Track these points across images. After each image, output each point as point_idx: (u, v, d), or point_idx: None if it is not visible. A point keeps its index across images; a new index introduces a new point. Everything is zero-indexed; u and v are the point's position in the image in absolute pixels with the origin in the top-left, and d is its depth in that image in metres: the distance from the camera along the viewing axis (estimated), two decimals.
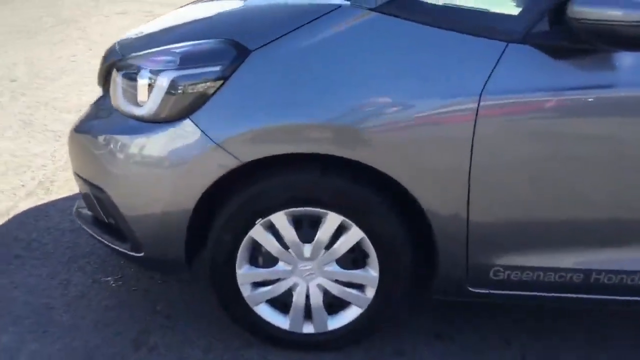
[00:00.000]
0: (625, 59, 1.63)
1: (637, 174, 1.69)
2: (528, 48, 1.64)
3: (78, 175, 2.04)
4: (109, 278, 2.30)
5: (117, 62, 1.96)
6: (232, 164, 1.73)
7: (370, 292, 1.89)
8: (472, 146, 1.67)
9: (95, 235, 2.04)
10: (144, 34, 2.10)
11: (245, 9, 1.96)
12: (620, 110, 1.65)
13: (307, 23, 1.74)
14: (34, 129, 3.63)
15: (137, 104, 1.82)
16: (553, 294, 1.87)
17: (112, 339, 1.99)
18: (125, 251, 1.94)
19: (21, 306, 2.12)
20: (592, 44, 1.57)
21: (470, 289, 1.88)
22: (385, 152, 1.69)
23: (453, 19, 1.69)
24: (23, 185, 2.98)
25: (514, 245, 1.80)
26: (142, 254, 1.92)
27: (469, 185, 1.71)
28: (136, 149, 1.80)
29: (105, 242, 2.00)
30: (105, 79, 2.11)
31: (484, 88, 1.63)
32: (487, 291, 1.89)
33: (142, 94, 1.81)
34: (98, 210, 1.99)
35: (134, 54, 1.92)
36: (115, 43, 2.17)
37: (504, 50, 1.65)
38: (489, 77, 1.64)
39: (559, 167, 1.69)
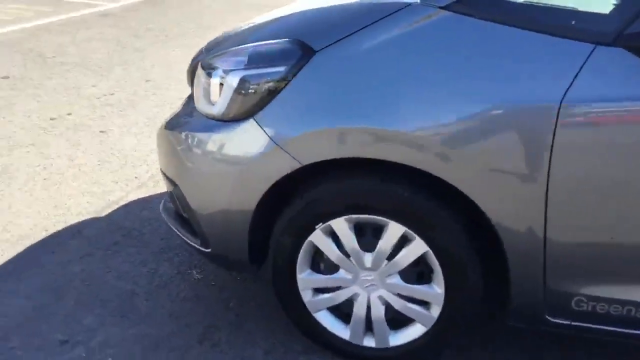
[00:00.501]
0: None
1: None
2: (620, 51, 1.44)
3: (162, 171, 2.13)
4: (192, 271, 2.37)
5: (201, 61, 2.01)
6: (292, 166, 1.70)
7: (435, 311, 1.77)
8: (550, 158, 1.50)
9: (174, 229, 2.11)
10: (229, 33, 2.14)
11: (316, 8, 1.92)
12: None
13: (374, 22, 1.66)
14: (156, 127, 3.87)
15: (211, 103, 1.86)
16: None
17: (181, 330, 2.05)
18: (196, 246, 1.99)
19: (109, 290, 2.26)
20: None
21: (549, 318, 1.69)
22: (452, 162, 1.57)
23: (533, 18, 1.53)
24: (136, 177, 3.19)
25: (600, 272, 1.60)
26: (209, 250, 1.95)
27: (546, 201, 1.53)
28: (205, 146, 1.84)
29: (182, 235, 2.06)
30: (192, 78, 2.18)
31: (565, 95, 1.46)
32: (568, 322, 1.68)
33: (214, 93, 1.84)
34: (177, 204, 2.06)
35: (214, 54, 1.96)
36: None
37: (591, 53, 1.46)
38: (572, 83, 1.46)
39: None
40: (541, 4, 1.60)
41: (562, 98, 1.46)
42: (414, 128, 1.56)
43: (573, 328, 1.69)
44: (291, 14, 1.95)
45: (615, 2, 1.49)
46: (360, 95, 1.63)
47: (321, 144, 1.67)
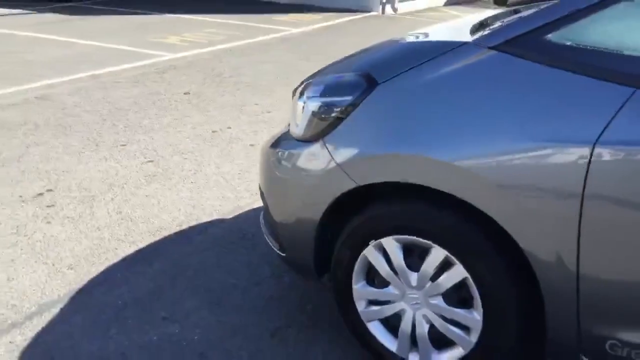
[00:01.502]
0: None
1: None
2: None
3: (258, 184, 2.44)
4: (284, 275, 2.65)
5: (296, 88, 2.29)
6: (350, 185, 1.89)
7: (474, 337, 1.83)
8: (582, 198, 1.52)
9: (265, 234, 2.40)
10: (333, 63, 2.38)
11: (388, 44, 2.09)
12: None
13: (432, 58, 1.80)
14: None
15: (296, 125, 2.12)
16: None
17: (261, 324, 2.33)
18: (276, 250, 2.26)
19: (215, 282, 2.61)
20: None
21: (584, 358, 1.68)
22: (495, 197, 1.65)
23: (574, 60, 1.58)
24: None
25: (633, 318, 1.56)
26: (284, 254, 2.21)
27: (579, 241, 1.56)
28: (285, 162, 2.11)
29: (269, 240, 2.35)
30: None
31: (600, 136, 1.49)
32: None
33: (298, 116, 2.10)
34: (266, 213, 2.35)
35: (307, 80, 2.22)
36: None
37: (630, 96, 1.47)
38: (608, 124, 1.49)
39: None
40: (584, 46, 1.62)
41: (597, 139, 1.49)
42: (460, 161, 1.67)
43: None
44: (369, 49, 2.15)
45: None
46: (413, 125, 1.78)
47: (374, 168, 1.85)
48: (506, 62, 1.66)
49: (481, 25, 2.00)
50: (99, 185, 3.51)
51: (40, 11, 10.42)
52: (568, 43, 1.63)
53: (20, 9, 10.56)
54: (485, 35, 1.76)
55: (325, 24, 9.81)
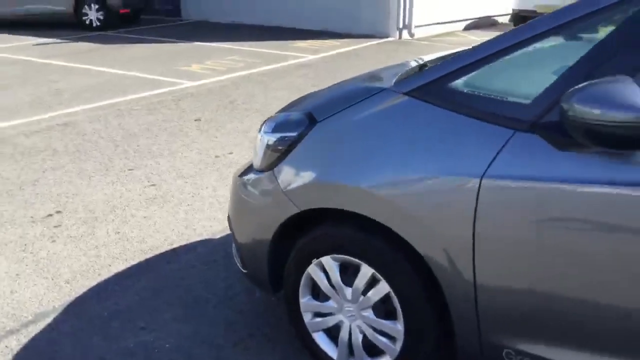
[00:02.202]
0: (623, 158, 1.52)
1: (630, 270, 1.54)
2: (534, 137, 1.66)
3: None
4: (256, 291, 2.90)
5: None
6: (293, 210, 2.15)
7: (398, 345, 2.06)
8: (474, 221, 1.75)
9: (233, 254, 2.67)
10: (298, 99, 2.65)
11: (331, 88, 2.35)
12: (618, 209, 1.53)
13: (359, 102, 2.06)
14: None
15: (256, 156, 2.40)
16: None
17: (227, 334, 2.58)
18: (240, 267, 2.53)
19: (193, 296, 2.88)
20: (584, 141, 1.53)
21: None
22: (404, 219, 1.89)
23: (468, 105, 1.81)
24: None
25: (524, 329, 1.77)
26: (246, 271, 2.47)
27: (474, 258, 1.78)
28: (246, 189, 2.37)
29: (235, 259, 2.61)
30: None
31: (486, 171, 1.72)
32: None
33: (257, 149, 2.37)
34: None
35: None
36: None
37: (511, 137, 1.70)
38: (492, 161, 1.72)
39: (555, 254, 1.64)
40: (476, 93, 1.85)
41: (484, 173, 1.72)
42: (378, 189, 1.92)
43: None
44: (319, 91, 2.42)
45: (536, 94, 1.70)
46: (341, 158, 2.04)
47: (312, 195, 2.11)
48: (415, 107, 1.91)
49: (409, 70, 2.26)
50: (102, 207, 3.85)
51: (73, 40, 11.05)
52: (465, 90, 1.86)
53: (55, 37, 11.20)
54: (402, 81, 2.01)
55: (342, 49, 10.13)
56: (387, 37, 11.25)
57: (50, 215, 3.74)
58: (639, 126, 1.42)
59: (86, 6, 12.46)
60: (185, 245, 3.39)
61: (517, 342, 1.80)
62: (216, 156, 4.85)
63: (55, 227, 3.58)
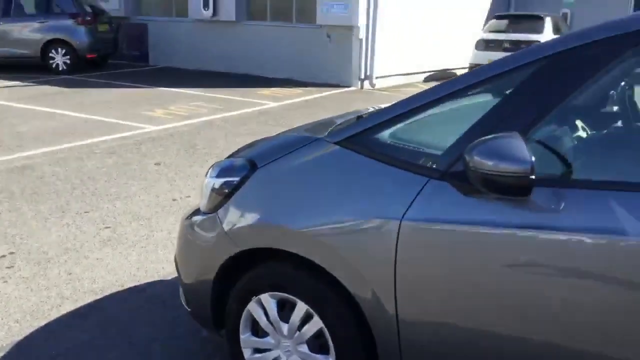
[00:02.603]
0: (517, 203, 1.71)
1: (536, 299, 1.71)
2: (445, 185, 1.85)
3: None
4: (203, 330, 2.98)
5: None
6: (235, 250, 2.28)
7: None
8: (395, 260, 1.91)
9: (180, 294, 2.76)
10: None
11: (274, 136, 2.53)
12: (513, 248, 1.72)
13: (295, 150, 2.23)
14: None
15: (202, 199, 2.53)
16: None
17: None
18: (185, 305, 2.63)
19: (140, 336, 2.95)
20: (483, 189, 1.72)
21: None
22: (334, 258, 2.04)
23: (391, 155, 1.99)
24: None
25: (443, 356, 1.92)
26: (190, 309, 2.58)
27: (395, 295, 1.93)
28: (191, 230, 2.50)
29: (181, 298, 2.71)
30: None
31: (404, 214, 1.89)
32: None
33: (204, 192, 2.51)
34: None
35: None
36: None
37: (425, 184, 1.88)
38: (410, 205, 1.89)
39: (466, 291, 1.80)
40: (397, 144, 2.03)
41: (403, 216, 1.89)
42: (309, 230, 2.07)
43: None
44: (263, 139, 2.59)
45: (447, 146, 1.90)
46: (278, 201, 2.19)
47: (252, 235, 2.24)
48: (344, 155, 2.08)
49: (344, 121, 2.45)
50: (56, 248, 3.90)
51: (39, 83, 11.12)
52: (387, 141, 2.05)
53: (19, 81, 11.26)
54: (334, 132, 2.20)
55: (304, 98, 10.42)
56: (349, 86, 11.61)
57: (4, 256, 3.77)
58: (523, 176, 1.62)
59: (53, 50, 12.58)
60: (135, 287, 3.46)
61: None
62: (173, 199, 4.96)
63: (7, 267, 3.62)
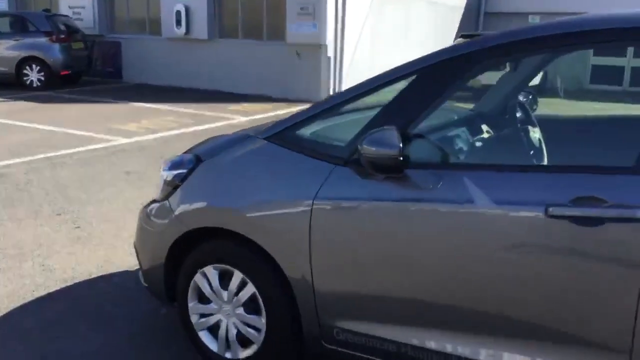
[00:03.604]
0: (403, 181, 2.18)
1: (423, 264, 2.17)
2: (347, 169, 2.31)
3: None
4: (162, 307, 3.39)
5: None
6: (183, 230, 2.72)
7: (262, 335, 2.61)
8: (309, 230, 2.36)
9: (139, 272, 3.18)
10: None
11: (217, 136, 2.98)
12: (393, 217, 2.19)
13: (231, 146, 2.69)
14: None
15: (158, 190, 2.96)
16: None
17: (130, 339, 3.06)
18: (143, 282, 3.04)
19: (105, 314, 3.34)
20: (371, 170, 2.19)
21: (324, 344, 2.47)
22: (262, 232, 2.48)
23: (307, 147, 2.45)
24: None
25: (346, 313, 2.36)
26: (146, 285, 3.00)
27: (310, 259, 2.38)
28: (147, 217, 2.92)
29: (140, 276, 3.12)
30: None
31: (316, 194, 2.34)
32: (335, 348, 2.44)
33: (159, 184, 2.94)
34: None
35: None
36: None
37: (333, 169, 2.34)
38: (320, 187, 2.34)
39: (363, 254, 2.26)
40: (313, 138, 2.50)
41: (315, 195, 2.34)
42: (242, 210, 2.52)
43: (341, 353, 2.43)
44: (209, 139, 3.03)
45: (348, 139, 2.36)
46: (217, 188, 2.63)
47: (196, 217, 2.68)
48: (270, 148, 2.54)
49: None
50: (30, 245, 4.28)
51: (13, 99, 11.44)
52: (305, 135, 2.51)
53: None
54: (264, 130, 2.65)
55: (273, 112, 10.88)
56: None
57: None
58: (394, 157, 2.08)
59: (27, 67, 12.91)
60: (102, 276, 3.86)
61: (342, 323, 2.38)
62: (141, 204, 5.34)
63: None
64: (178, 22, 13.44)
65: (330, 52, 11.94)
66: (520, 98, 3.38)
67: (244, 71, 12.99)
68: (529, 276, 2.00)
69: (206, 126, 9.33)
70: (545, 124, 3.15)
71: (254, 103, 11.86)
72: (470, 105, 3.31)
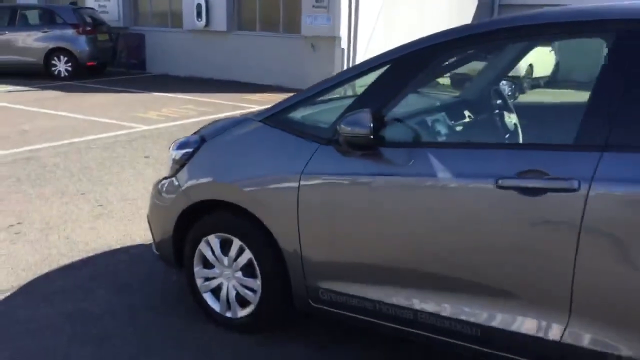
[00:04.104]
0: (377, 158, 2.49)
1: (396, 229, 2.47)
2: (330, 148, 2.62)
3: None
4: (174, 274, 3.75)
5: None
6: (188, 202, 3.06)
7: (258, 295, 2.94)
8: (297, 203, 2.68)
9: (152, 243, 3.53)
10: None
11: (220, 119, 3.30)
12: (370, 189, 2.50)
13: (231, 127, 3.02)
14: None
15: (168, 167, 3.31)
16: (368, 319, 2.65)
17: (143, 302, 3.42)
18: (155, 251, 3.40)
19: (123, 280, 3.71)
20: (348, 149, 2.50)
21: (311, 303, 2.79)
22: (257, 204, 2.81)
23: (297, 128, 2.76)
24: None
25: (330, 275, 2.68)
26: (158, 253, 3.35)
27: (298, 227, 2.70)
28: (158, 191, 3.27)
29: (152, 246, 3.48)
30: None
31: (303, 169, 2.66)
32: (321, 307, 2.76)
33: (168, 162, 3.29)
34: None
35: None
36: None
37: (318, 147, 2.66)
38: (307, 163, 2.66)
39: (345, 221, 2.57)
40: (302, 120, 2.81)
41: (303, 170, 2.66)
42: (241, 185, 2.84)
43: (326, 312, 2.75)
44: (215, 121, 3.37)
45: (331, 121, 2.67)
46: (220, 164, 2.97)
47: (199, 190, 3.02)
48: (265, 129, 2.86)
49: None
50: (56, 220, 4.68)
51: (42, 89, 11.93)
52: (295, 117, 2.83)
53: (24, 86, 12.08)
54: (260, 113, 2.97)
55: None
56: None
57: (12, 225, 4.55)
58: (366, 136, 2.38)
59: (55, 58, 13.41)
60: (121, 248, 4.23)
61: (326, 284, 2.70)
62: None
63: (15, 233, 4.39)
64: (199, 15, 13.82)
65: (344, 44, 12.20)
66: (505, 87, 3.66)
67: (260, 62, 13.33)
68: (482, 239, 2.29)
69: (224, 114, 9.68)
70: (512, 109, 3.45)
71: (269, 93, 12.20)
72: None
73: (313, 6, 12.17)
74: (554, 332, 2.21)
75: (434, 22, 14.05)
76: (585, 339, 2.17)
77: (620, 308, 2.09)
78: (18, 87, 11.90)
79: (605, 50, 2.18)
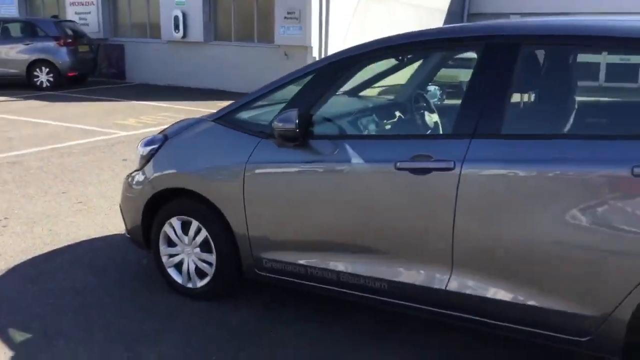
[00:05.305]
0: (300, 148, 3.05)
1: (322, 208, 3.03)
2: (269, 142, 3.17)
3: None
4: (144, 258, 4.27)
5: None
6: (154, 191, 3.59)
7: (213, 268, 3.48)
8: (243, 190, 3.23)
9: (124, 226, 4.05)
10: None
11: (182, 120, 3.86)
12: (297, 176, 3.06)
13: (189, 127, 3.57)
14: None
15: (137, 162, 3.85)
16: (302, 282, 3.20)
17: (118, 281, 3.94)
18: (126, 234, 3.93)
19: (100, 262, 4.22)
20: (281, 142, 3.06)
21: (257, 271, 3.34)
22: (210, 189, 3.36)
23: (243, 125, 3.32)
24: None
25: (271, 246, 3.24)
26: (129, 236, 3.88)
27: (244, 207, 3.25)
28: (128, 182, 3.81)
29: (125, 230, 4.00)
30: None
31: (248, 159, 3.21)
32: (265, 274, 3.31)
33: (137, 158, 3.83)
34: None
35: None
36: None
37: (259, 141, 3.21)
38: (251, 154, 3.21)
39: (279, 202, 3.13)
40: (248, 119, 3.37)
41: (247, 160, 3.21)
42: (196, 174, 3.39)
43: (269, 278, 3.30)
44: (178, 121, 3.92)
45: (270, 118, 3.22)
46: (179, 157, 3.51)
47: (163, 180, 3.56)
48: (217, 128, 3.41)
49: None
50: (40, 216, 5.18)
51: (25, 99, 12.38)
52: (242, 117, 3.39)
53: (7, 96, 12.52)
54: (214, 114, 3.53)
55: None
56: None
57: None
58: (292, 130, 2.94)
59: (37, 69, 13.87)
60: (99, 237, 4.74)
61: (268, 254, 3.26)
62: None
63: (3, 227, 4.89)
64: (176, 27, 14.36)
65: (315, 53, 12.81)
66: (437, 91, 4.26)
67: (236, 71, 13.89)
68: (386, 211, 2.86)
69: None
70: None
71: None
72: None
73: (285, 17, 12.78)
74: (441, 282, 2.78)
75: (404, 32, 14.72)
76: (467, 287, 2.74)
77: (489, 259, 2.66)
78: (2, 98, 12.33)
79: (476, 60, 2.76)
